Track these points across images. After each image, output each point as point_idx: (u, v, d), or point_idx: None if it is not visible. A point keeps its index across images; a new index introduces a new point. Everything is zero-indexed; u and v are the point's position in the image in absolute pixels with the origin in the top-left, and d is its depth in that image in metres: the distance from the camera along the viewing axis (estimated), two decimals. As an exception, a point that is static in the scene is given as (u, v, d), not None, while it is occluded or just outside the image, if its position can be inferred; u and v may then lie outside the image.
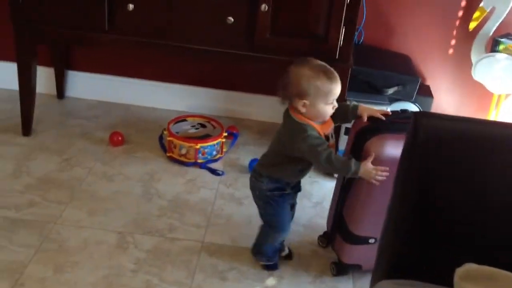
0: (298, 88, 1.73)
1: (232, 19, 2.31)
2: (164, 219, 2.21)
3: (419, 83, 2.53)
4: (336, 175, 2.17)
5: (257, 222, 2.02)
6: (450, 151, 1.30)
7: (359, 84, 2.51)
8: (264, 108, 2.96)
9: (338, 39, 2.32)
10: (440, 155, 1.30)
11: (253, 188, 1.94)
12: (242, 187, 2.44)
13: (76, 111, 2.93)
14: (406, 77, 2.52)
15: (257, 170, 1.92)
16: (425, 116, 1.32)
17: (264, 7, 2.27)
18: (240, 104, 2.98)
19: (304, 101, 1.73)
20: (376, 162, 1.73)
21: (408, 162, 1.34)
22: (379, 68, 2.53)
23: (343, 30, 2.31)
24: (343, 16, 2.29)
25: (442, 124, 1.32)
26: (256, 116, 2.99)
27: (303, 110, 1.75)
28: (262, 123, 2.97)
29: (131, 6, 2.31)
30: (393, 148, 1.72)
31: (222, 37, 2.36)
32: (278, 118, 1.87)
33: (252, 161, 2.55)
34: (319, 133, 1.76)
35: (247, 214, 2.28)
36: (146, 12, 2.36)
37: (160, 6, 2.35)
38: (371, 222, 1.88)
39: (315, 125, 1.77)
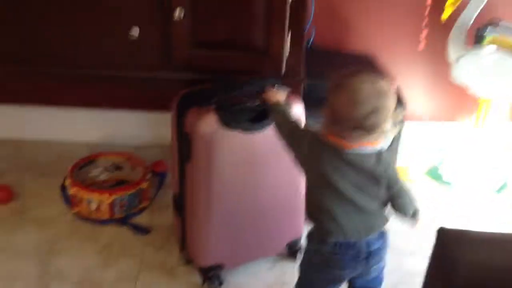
0: (389, 108, 1.29)
1: (137, 32, 1.70)
2: (67, 315, 1.62)
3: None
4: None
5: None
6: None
7: (313, 102, 1.94)
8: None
9: (283, 48, 1.75)
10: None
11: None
12: (175, 249, 1.85)
13: None
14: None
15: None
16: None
17: (178, 13, 1.66)
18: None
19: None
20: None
21: None
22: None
23: (288, 35, 1.74)
24: (287, 16, 1.71)
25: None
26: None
27: None
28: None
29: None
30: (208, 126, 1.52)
31: (125, 57, 1.75)
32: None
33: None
34: None
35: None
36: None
37: (28, 20, 1.71)
38: (216, 247, 1.67)
39: None
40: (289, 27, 1.72)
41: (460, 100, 2.34)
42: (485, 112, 2.27)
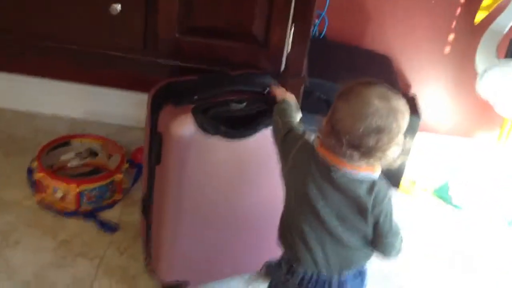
0: (397, 132, 1.09)
1: (119, 8, 1.47)
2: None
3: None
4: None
5: None
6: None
7: (315, 103, 1.73)
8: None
9: (284, 42, 1.52)
10: None
11: None
12: (141, 253, 1.66)
13: None
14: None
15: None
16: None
17: (166, -9, 1.44)
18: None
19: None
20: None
21: None
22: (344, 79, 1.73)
23: (291, 28, 1.51)
24: (291, 7, 1.48)
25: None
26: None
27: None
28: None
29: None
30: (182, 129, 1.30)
31: (104, 35, 1.53)
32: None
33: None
34: None
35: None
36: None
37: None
38: (183, 261, 1.48)
39: None
40: (294, 19, 1.49)
41: (483, 114, 2.10)
42: (509, 130, 2.03)
